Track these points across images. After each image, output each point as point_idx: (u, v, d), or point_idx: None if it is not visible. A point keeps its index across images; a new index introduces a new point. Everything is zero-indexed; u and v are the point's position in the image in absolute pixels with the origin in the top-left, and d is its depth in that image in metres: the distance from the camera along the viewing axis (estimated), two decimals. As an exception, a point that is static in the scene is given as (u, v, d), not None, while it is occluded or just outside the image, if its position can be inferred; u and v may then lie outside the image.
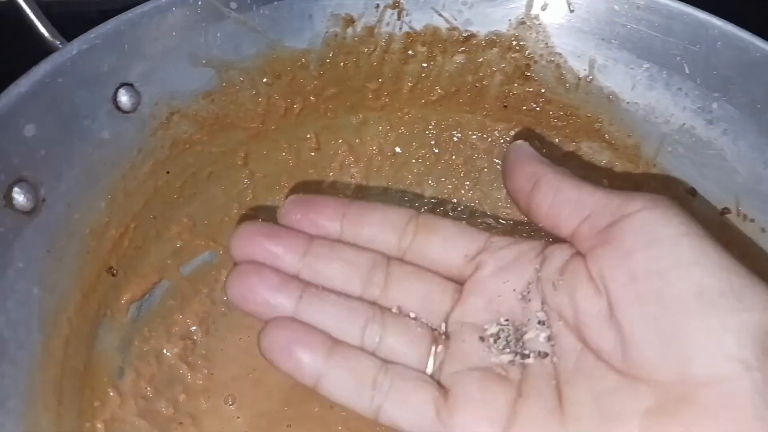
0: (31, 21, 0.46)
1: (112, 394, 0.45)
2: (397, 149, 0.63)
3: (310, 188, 0.61)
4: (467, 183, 0.64)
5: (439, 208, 0.64)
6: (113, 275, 0.48)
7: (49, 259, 0.42)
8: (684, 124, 0.55)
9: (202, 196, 0.55)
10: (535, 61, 0.59)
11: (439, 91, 0.61)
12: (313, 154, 0.61)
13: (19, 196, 0.40)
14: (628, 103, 0.57)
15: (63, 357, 0.42)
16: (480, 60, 0.60)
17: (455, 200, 0.64)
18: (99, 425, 0.43)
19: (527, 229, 0.63)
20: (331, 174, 0.62)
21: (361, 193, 0.63)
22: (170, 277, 0.53)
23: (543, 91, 0.60)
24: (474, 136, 0.64)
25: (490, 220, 0.64)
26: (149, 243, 0.51)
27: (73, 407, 0.42)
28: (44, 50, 0.44)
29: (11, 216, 0.40)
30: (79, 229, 0.45)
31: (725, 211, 0.54)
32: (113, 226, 0.48)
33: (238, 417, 0.49)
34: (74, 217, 0.45)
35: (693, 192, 0.55)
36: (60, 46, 0.45)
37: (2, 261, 0.39)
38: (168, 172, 0.52)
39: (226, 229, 0.57)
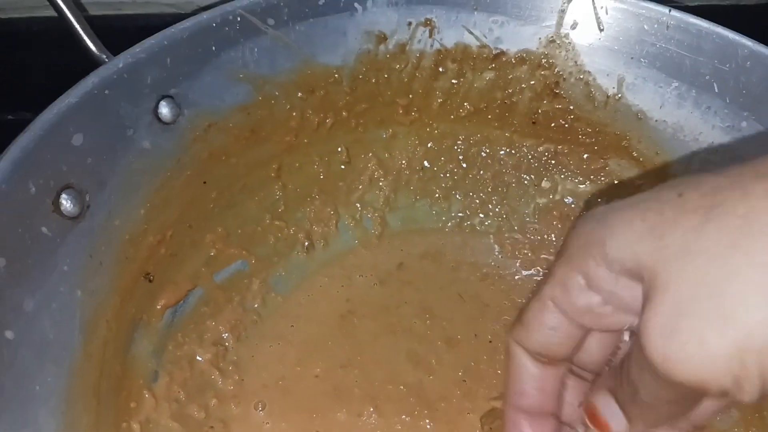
0: (80, 35, 0.48)
1: (147, 396, 0.46)
2: (426, 163, 0.64)
3: (338, 198, 0.62)
4: (494, 198, 0.65)
5: (466, 222, 0.65)
6: (150, 281, 0.49)
7: (91, 264, 0.44)
8: (713, 142, 0.56)
9: (236, 206, 0.57)
10: (564, 79, 0.60)
11: (468, 107, 0.62)
12: (343, 167, 0.62)
13: (66, 202, 0.42)
14: (656, 120, 0.58)
15: (101, 359, 0.43)
16: (510, 77, 0.61)
17: (482, 215, 0.65)
18: (135, 426, 0.44)
19: (554, 244, 0.63)
20: (360, 187, 0.63)
21: (389, 207, 0.64)
22: (204, 284, 0.54)
23: (572, 108, 0.61)
24: (502, 152, 0.64)
25: (518, 235, 0.64)
26: (184, 251, 0.52)
27: (111, 408, 0.43)
28: (91, 64, 0.46)
29: (58, 221, 0.41)
30: (119, 236, 0.46)
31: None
32: (151, 233, 0.49)
33: (267, 423, 0.50)
34: (115, 224, 0.46)
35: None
36: (106, 59, 0.46)
37: (49, 264, 0.40)
38: (204, 183, 0.54)
39: (258, 238, 0.58)
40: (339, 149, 0.61)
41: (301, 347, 0.55)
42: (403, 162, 0.64)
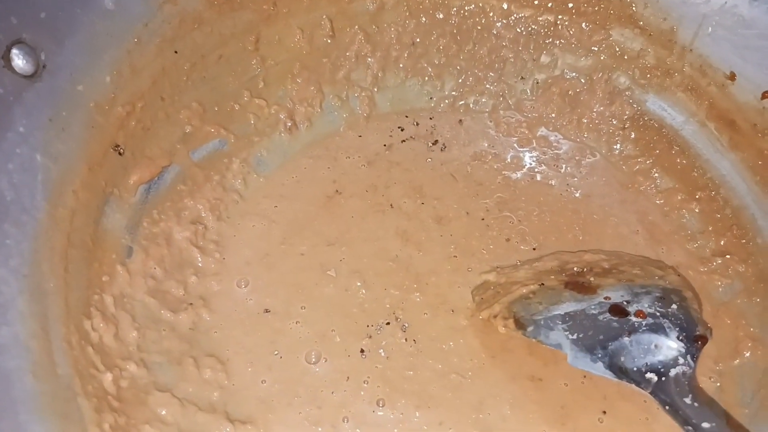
0: None
1: (121, 271, 0.44)
2: (417, 38, 0.60)
3: (323, 76, 0.58)
4: (491, 75, 0.61)
5: (461, 101, 0.61)
6: (120, 154, 0.46)
7: (52, 128, 0.41)
8: (725, 3, 0.51)
9: (213, 81, 0.53)
10: (568, -61, 0.55)
11: (462, -27, 0.58)
12: (328, 41, 0.58)
13: (18, 59, 0.39)
14: (665, -19, 0.53)
15: (69, 228, 0.41)
16: (506, -62, 0.56)
17: (477, 93, 0.61)
18: (108, 299, 0.42)
19: (553, 121, 0.60)
20: (346, 64, 0.59)
21: (378, 86, 0.60)
22: (180, 162, 0.51)
23: (572, -28, 0.56)
24: (499, 24, 0.60)
25: (514, 113, 0.61)
26: (158, 125, 0.49)
27: (81, 278, 0.41)
28: None
29: (11, 78, 0.38)
30: (83, 102, 0.43)
31: (766, 95, 0.50)
32: (120, 103, 0.46)
33: (250, 299, 0.48)
34: (77, 89, 0.43)
35: (732, 76, 0.52)
36: None
37: (2, 123, 0.37)
38: (176, 52, 0.50)
39: (237, 116, 0.55)
40: (322, 21, 0.57)
41: (285, 226, 0.52)
42: (393, 37, 0.60)
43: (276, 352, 0.46)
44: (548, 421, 0.44)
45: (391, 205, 0.55)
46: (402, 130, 0.60)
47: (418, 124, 0.61)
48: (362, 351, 0.46)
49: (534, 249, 0.52)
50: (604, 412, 0.45)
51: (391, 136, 0.60)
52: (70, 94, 0.42)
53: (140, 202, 0.48)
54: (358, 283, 0.49)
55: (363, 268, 0.50)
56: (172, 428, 0.39)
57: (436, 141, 0.60)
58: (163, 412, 0.40)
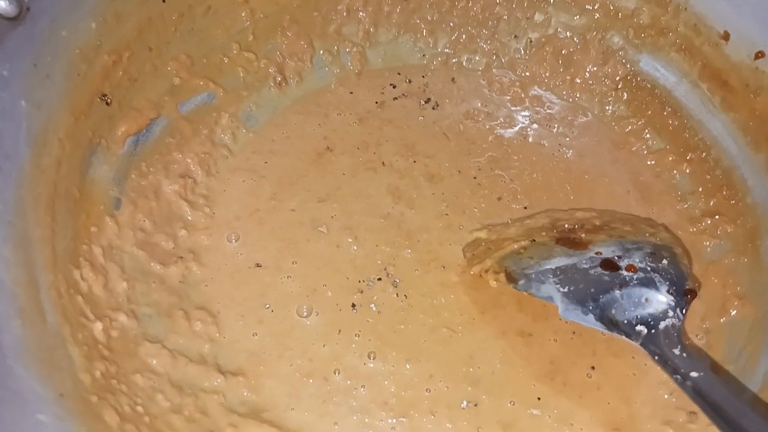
0: None
1: (109, 223, 0.44)
2: (408, -5, 0.59)
3: (313, 30, 0.57)
4: (484, 32, 0.60)
5: (453, 59, 0.60)
6: (107, 104, 0.45)
7: (36, 74, 0.40)
8: (723, -39, 0.51)
9: (201, 33, 0.52)
10: None
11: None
12: (320, -5, 0.57)
13: (1, 0, 0.37)
14: (663, -69, 0.52)
15: (55, 177, 0.40)
16: None
17: (471, 51, 0.60)
18: (96, 249, 0.42)
19: (546, 80, 0.59)
20: (337, 18, 0.58)
21: (369, 42, 0.59)
22: (168, 114, 0.50)
23: (568, -75, 0.55)
24: (494, -19, 0.59)
25: (508, 72, 0.60)
26: (145, 76, 0.48)
27: (69, 228, 0.40)
28: None
29: (-7, 20, 0.37)
30: (67, 48, 0.42)
31: (759, 54, 0.50)
32: (105, 51, 0.45)
33: (240, 254, 0.47)
34: (61, 34, 0.41)
35: (726, 36, 0.51)
36: None
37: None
38: (164, 1, 0.48)
39: (226, 70, 0.54)
40: (313, -27, 0.56)
41: (275, 182, 0.52)
42: (384, -8, 0.59)
43: (267, 306, 0.45)
44: (537, 376, 0.45)
45: (383, 162, 0.54)
46: (394, 87, 0.60)
47: (410, 81, 0.60)
48: (353, 305, 0.46)
49: (525, 208, 0.52)
50: (593, 368, 0.45)
51: (383, 93, 0.59)
52: (55, 39, 0.41)
53: (128, 154, 0.47)
54: (350, 239, 0.49)
55: (354, 225, 0.49)
56: (162, 379, 0.39)
57: (429, 99, 0.59)
58: (154, 362, 0.40)
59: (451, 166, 0.54)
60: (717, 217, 0.51)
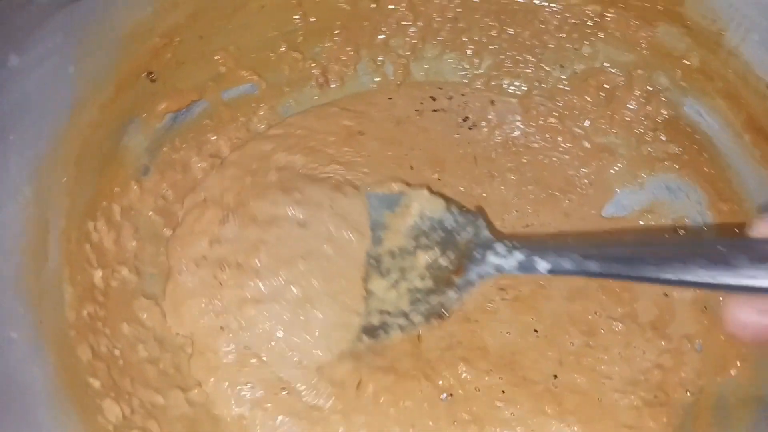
0: None
1: (134, 187, 0.48)
2: (460, 14, 0.61)
3: (361, 39, 0.60)
4: (529, 59, 0.61)
5: (494, 81, 0.61)
6: (152, 81, 0.50)
7: (88, 45, 0.44)
8: (778, 10, 0.49)
9: (252, 28, 0.55)
10: (624, -67, 0.54)
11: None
12: (372, 5, 0.59)
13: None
14: (718, -19, 0.51)
15: (90, 137, 0.44)
16: None
17: (513, 76, 0.61)
18: (116, 207, 0.45)
19: (584, 115, 0.59)
20: (386, 30, 0.60)
21: (415, 55, 0.61)
22: (210, 98, 0.54)
23: (625, -37, 0.55)
24: (547, 10, 0.59)
25: (547, 102, 0.60)
26: (192, 61, 0.52)
27: (92, 184, 0.44)
28: None
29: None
30: (121, 26, 0.46)
31: (807, 110, 0.48)
32: (158, 33, 0.49)
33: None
34: (119, 12, 0.46)
35: (774, 87, 0.49)
36: None
37: (40, 30, 0.41)
38: (220, -5, 0.53)
39: (272, 65, 0.57)
40: (369, -16, 0.58)
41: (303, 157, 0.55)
42: (436, 9, 0.60)
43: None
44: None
45: (411, 166, 0.56)
46: (434, 100, 0.61)
47: (451, 98, 0.61)
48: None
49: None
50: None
51: (422, 104, 0.61)
52: (111, 15, 0.46)
53: (165, 128, 0.51)
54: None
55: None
56: (148, 333, 0.42)
57: (467, 118, 0.60)
58: (144, 316, 0.43)
59: (475, 190, 0.55)
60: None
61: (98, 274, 0.41)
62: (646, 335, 0.47)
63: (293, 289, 0.45)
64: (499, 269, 0.43)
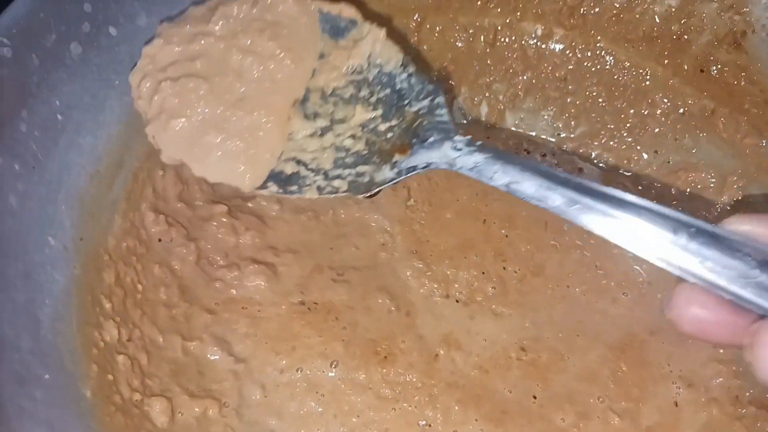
0: None
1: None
2: (570, 76, 0.61)
3: (466, 76, 0.62)
4: (627, 136, 0.59)
5: (583, 149, 0.61)
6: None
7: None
8: None
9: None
10: (754, 31, 0.52)
11: (640, 31, 0.57)
12: (486, 48, 0.61)
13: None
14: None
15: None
16: (694, 11, 0.54)
17: (603, 149, 0.60)
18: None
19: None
20: (493, 74, 0.62)
21: (513, 105, 0.62)
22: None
23: (751, 67, 0.53)
24: (657, 95, 0.58)
25: (628, 183, 0.58)
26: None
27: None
28: None
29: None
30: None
31: None
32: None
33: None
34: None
35: None
36: None
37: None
38: (343, 6, 0.57)
39: (374, 79, 0.61)
40: (488, 27, 0.60)
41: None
42: (548, 66, 0.61)
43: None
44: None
45: (483, 220, 0.57)
46: (528, 153, 0.61)
47: (544, 155, 0.61)
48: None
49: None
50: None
51: (515, 151, 0.61)
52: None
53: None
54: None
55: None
56: (175, 280, 0.47)
57: (544, 179, 0.60)
58: (176, 266, 0.48)
59: (527, 258, 0.55)
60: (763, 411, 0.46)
61: (150, 217, 0.47)
62: (640, 439, 0.45)
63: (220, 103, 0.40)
64: (451, 165, 0.39)
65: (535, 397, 0.48)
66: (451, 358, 0.49)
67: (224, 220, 0.50)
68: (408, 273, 0.53)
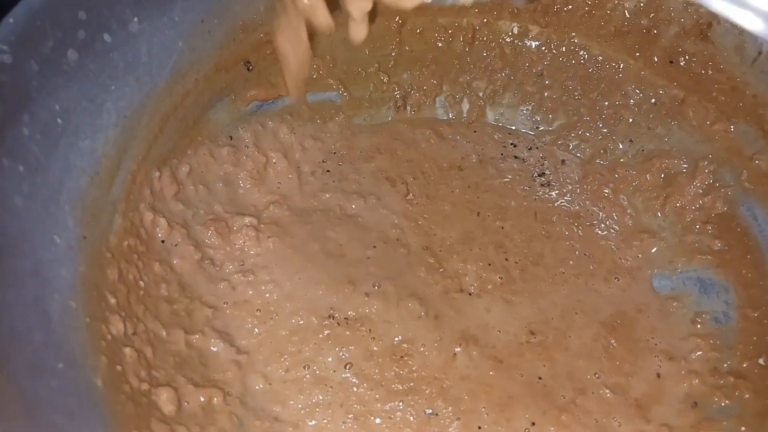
0: None
1: (205, 153, 0.54)
2: (547, 71, 0.63)
3: (447, 74, 0.64)
4: (602, 127, 0.62)
5: (561, 140, 0.63)
6: (249, 70, 0.57)
7: (201, 28, 0.52)
8: None
9: (352, 45, 0.61)
10: (719, 22, 0.55)
11: (611, 26, 0.60)
12: (465, 47, 0.63)
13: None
14: (803, 89, 0.51)
15: (179, 103, 0.51)
16: (662, 5, 0.57)
17: (581, 139, 0.63)
18: (184, 167, 0.52)
19: (638, 192, 0.59)
20: (473, 71, 0.64)
21: (493, 100, 0.64)
22: (296, 97, 0.60)
23: (717, 57, 0.55)
24: (631, 86, 0.60)
25: (606, 171, 0.61)
26: (289, 61, 0.59)
27: (170, 142, 0.51)
28: None
29: (182, -23, 0.50)
30: (233, 18, 0.54)
31: None
32: (263, 30, 0.56)
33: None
34: (234, 6, 0.53)
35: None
36: None
37: (163, 6, 0.49)
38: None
39: (359, 81, 0.63)
40: (466, 27, 0.63)
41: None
42: (525, 63, 0.64)
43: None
44: None
45: (478, 213, 0.59)
46: (514, 146, 0.64)
47: (530, 149, 0.64)
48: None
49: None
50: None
51: (504, 147, 0.63)
52: (225, 7, 0.53)
53: (248, 113, 0.58)
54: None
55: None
56: (175, 277, 0.48)
57: (543, 174, 0.62)
58: (176, 262, 0.49)
59: (527, 252, 0.57)
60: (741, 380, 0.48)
61: (148, 217, 0.48)
62: (629, 410, 0.47)
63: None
64: None
65: (540, 378, 0.49)
66: (469, 354, 0.50)
67: (247, 230, 0.53)
68: (422, 270, 0.54)
